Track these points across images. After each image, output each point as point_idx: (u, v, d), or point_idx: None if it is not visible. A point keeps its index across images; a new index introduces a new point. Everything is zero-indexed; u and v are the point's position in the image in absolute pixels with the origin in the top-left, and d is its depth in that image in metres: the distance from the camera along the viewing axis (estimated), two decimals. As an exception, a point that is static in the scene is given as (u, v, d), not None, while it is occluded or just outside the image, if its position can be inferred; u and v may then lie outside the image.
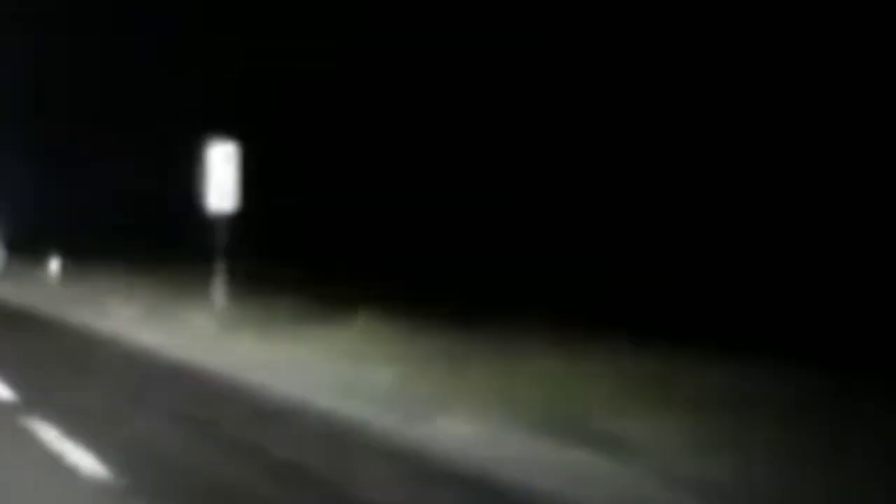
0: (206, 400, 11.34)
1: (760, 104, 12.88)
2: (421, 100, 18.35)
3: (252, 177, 18.15)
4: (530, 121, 16.69)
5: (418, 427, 9.17)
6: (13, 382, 12.01)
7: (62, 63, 31.18)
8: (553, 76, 16.18)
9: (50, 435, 8.93)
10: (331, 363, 12.89)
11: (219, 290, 17.92)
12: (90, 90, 29.61)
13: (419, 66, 17.89)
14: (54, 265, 27.00)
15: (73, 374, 13.62)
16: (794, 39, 12.46)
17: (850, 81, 11.67)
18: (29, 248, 28.29)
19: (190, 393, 11.88)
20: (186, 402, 11.10)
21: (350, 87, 19.16)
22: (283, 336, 15.23)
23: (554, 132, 15.94)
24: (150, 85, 25.03)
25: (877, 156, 11.27)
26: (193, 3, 23.87)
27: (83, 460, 7.93)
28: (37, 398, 10.98)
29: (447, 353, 12.26)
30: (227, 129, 18.52)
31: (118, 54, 28.08)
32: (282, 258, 18.89)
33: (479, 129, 17.34)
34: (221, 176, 18.18)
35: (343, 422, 9.56)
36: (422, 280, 16.00)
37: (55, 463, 7.97)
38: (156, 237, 23.83)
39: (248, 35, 21.82)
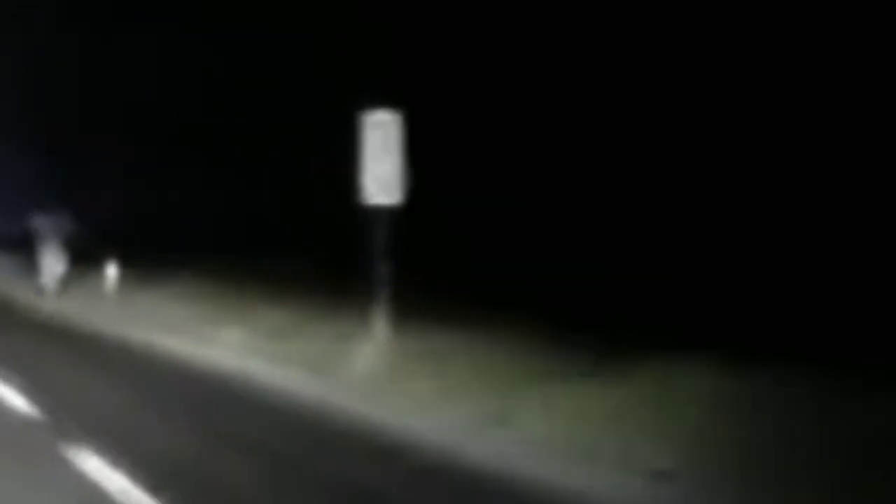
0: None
1: (760, 102, 11.80)
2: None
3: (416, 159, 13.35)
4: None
5: None
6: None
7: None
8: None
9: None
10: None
11: (380, 312, 13.02)
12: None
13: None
14: (111, 272, 21.98)
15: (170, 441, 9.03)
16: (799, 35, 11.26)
17: (848, 79, 10.88)
18: (89, 254, 22.82)
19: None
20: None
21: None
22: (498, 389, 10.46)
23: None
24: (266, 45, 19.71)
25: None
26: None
27: None
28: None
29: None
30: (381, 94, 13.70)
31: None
32: (436, 268, 14.03)
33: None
34: (379, 156, 13.33)
35: None
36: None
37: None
38: (264, 238, 18.78)
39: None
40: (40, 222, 20.51)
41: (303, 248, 17.13)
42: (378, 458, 8.50)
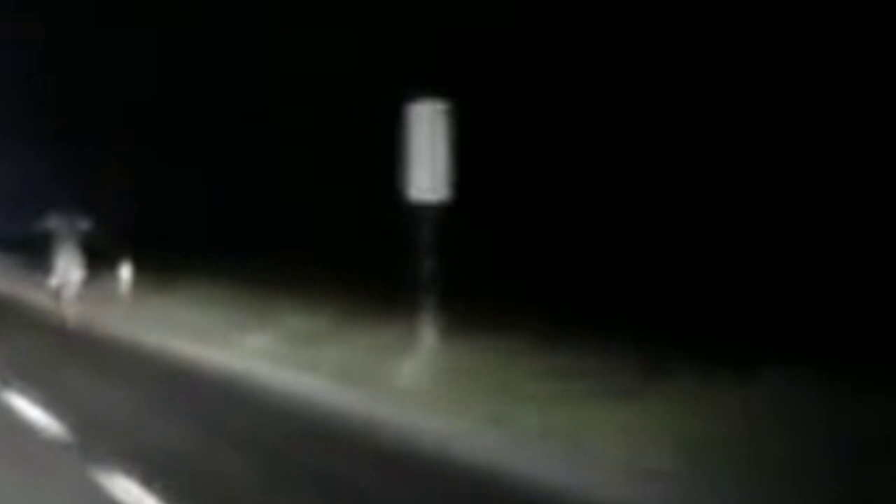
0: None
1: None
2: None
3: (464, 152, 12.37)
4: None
5: None
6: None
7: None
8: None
9: None
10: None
11: (426, 317, 12.03)
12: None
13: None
14: (125, 274, 20.94)
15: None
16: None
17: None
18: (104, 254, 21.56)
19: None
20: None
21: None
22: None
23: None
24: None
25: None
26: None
27: None
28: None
29: None
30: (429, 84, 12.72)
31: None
32: (485, 271, 13.04)
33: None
34: (427, 149, 12.35)
35: None
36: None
37: None
38: (292, 239, 17.64)
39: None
40: (56, 222, 19.39)
41: (337, 249, 16.11)
42: (456, 490, 7.51)
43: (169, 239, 21.82)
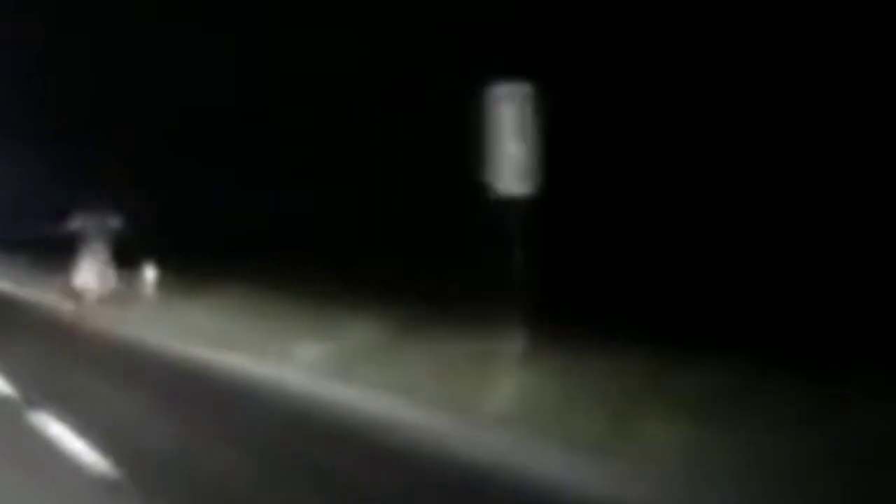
0: None
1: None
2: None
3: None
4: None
5: None
6: None
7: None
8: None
9: None
10: None
11: (516, 325, 10.50)
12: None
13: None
14: (150, 276, 19.22)
15: None
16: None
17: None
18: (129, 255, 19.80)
19: None
20: None
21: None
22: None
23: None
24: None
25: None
26: None
27: None
28: None
29: None
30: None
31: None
32: (575, 273, 11.51)
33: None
34: (510, 138, 10.86)
35: None
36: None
37: None
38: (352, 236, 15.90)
39: None
40: (83, 222, 17.76)
41: (403, 247, 14.54)
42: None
43: (183, 239, 20.10)
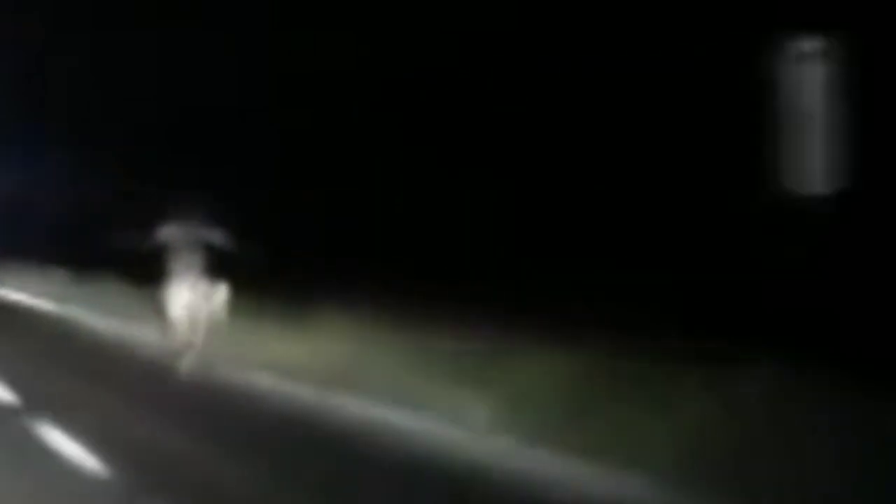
0: None
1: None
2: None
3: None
4: None
5: None
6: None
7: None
8: None
9: None
10: None
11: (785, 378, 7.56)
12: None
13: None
14: (221, 297, 15.58)
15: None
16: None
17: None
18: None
19: None
20: None
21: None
22: None
23: None
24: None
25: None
26: None
27: None
28: None
29: None
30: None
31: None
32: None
33: None
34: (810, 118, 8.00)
35: None
36: None
37: None
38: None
39: None
40: (171, 235, 14.25)
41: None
42: None
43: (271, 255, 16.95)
